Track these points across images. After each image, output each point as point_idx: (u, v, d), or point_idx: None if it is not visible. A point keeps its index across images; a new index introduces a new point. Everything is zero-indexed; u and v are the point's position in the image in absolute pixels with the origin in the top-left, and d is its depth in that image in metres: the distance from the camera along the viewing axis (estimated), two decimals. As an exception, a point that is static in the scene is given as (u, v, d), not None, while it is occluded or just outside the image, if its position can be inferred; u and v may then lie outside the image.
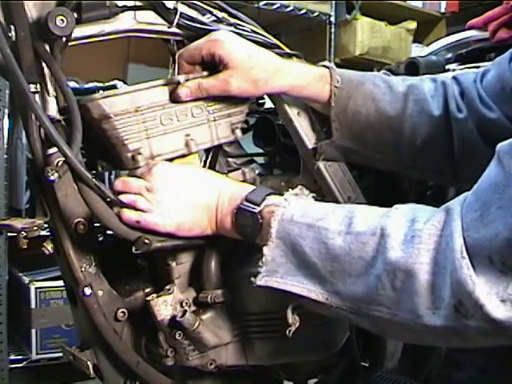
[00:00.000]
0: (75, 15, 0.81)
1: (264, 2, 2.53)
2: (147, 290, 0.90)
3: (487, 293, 0.61)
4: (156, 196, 0.81)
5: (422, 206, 0.71)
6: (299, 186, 0.82)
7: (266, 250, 0.76)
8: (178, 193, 0.82)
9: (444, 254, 0.64)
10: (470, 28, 1.69)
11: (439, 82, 1.01)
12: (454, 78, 1.01)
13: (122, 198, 0.82)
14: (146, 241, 0.80)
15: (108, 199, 0.81)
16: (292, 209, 0.76)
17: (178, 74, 0.92)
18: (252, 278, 0.76)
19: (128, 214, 0.81)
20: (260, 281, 0.76)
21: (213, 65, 0.91)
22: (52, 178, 0.78)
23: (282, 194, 0.81)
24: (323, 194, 1.03)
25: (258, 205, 0.78)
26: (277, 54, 0.96)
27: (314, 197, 0.82)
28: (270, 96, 1.02)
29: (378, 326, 0.73)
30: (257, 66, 0.90)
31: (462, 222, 0.63)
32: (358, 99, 0.97)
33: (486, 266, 0.61)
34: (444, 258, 0.64)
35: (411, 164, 1.01)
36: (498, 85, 0.94)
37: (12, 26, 0.78)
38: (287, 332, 0.79)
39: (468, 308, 0.62)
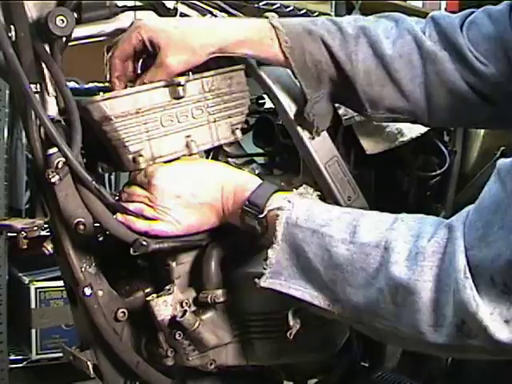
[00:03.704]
0: (75, 15, 0.81)
1: (264, 2, 2.53)
2: (147, 290, 0.90)
3: (490, 313, 0.61)
4: (160, 205, 0.82)
5: (426, 219, 0.70)
6: (304, 185, 0.81)
7: (270, 252, 0.75)
8: (181, 197, 0.82)
9: (447, 272, 0.63)
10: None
11: (400, 22, 0.97)
12: (431, 17, 0.96)
13: (130, 206, 0.82)
14: (144, 242, 0.80)
15: (108, 203, 0.82)
16: (296, 212, 0.75)
17: (110, 75, 0.90)
18: (256, 280, 0.76)
19: (139, 225, 0.82)
20: (264, 282, 0.76)
21: (147, 54, 0.89)
22: (53, 180, 0.78)
23: (285, 190, 0.80)
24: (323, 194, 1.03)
25: (262, 208, 0.77)
26: None
27: (318, 195, 0.81)
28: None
29: (380, 335, 0.73)
30: (187, 33, 0.87)
31: (465, 240, 0.63)
32: (312, 50, 0.92)
33: (488, 286, 0.61)
34: (447, 277, 0.63)
35: (375, 111, 0.96)
36: (497, 43, 0.89)
37: (12, 26, 0.78)
38: (288, 335, 0.79)
39: (471, 328, 0.62)
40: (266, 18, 0.93)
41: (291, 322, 0.79)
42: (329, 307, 0.72)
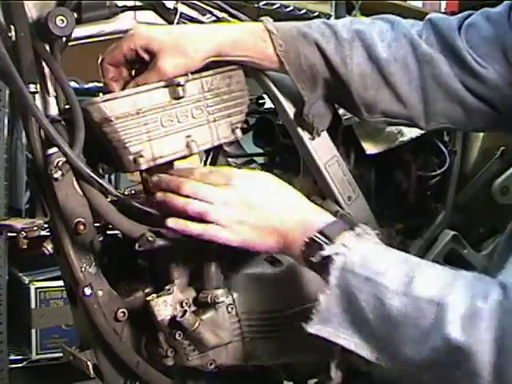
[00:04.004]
0: (75, 15, 0.82)
1: (264, 2, 2.53)
2: (147, 290, 0.90)
3: None
4: (229, 210, 0.78)
5: (482, 278, 0.67)
6: (362, 225, 0.76)
7: (322, 297, 0.71)
8: (252, 210, 0.78)
9: (507, 333, 0.60)
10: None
11: (397, 24, 0.97)
12: (428, 19, 0.95)
13: (193, 205, 0.78)
14: (150, 238, 0.80)
15: (111, 194, 0.81)
16: (352, 257, 0.71)
17: (104, 78, 0.90)
18: (303, 324, 0.73)
19: (192, 227, 0.78)
20: (311, 328, 0.73)
21: (141, 61, 0.89)
22: (55, 175, 0.78)
23: (355, 225, 0.75)
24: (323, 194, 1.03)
25: (332, 240, 0.73)
26: None
27: (377, 235, 0.77)
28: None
29: None
30: (180, 38, 0.87)
31: None
32: (307, 54, 0.91)
33: None
34: (508, 338, 0.60)
35: (370, 114, 0.95)
36: (496, 46, 0.89)
37: (12, 26, 0.78)
38: None
39: None
40: (261, 21, 0.92)
41: (333, 374, 0.78)
42: (377, 360, 0.70)
